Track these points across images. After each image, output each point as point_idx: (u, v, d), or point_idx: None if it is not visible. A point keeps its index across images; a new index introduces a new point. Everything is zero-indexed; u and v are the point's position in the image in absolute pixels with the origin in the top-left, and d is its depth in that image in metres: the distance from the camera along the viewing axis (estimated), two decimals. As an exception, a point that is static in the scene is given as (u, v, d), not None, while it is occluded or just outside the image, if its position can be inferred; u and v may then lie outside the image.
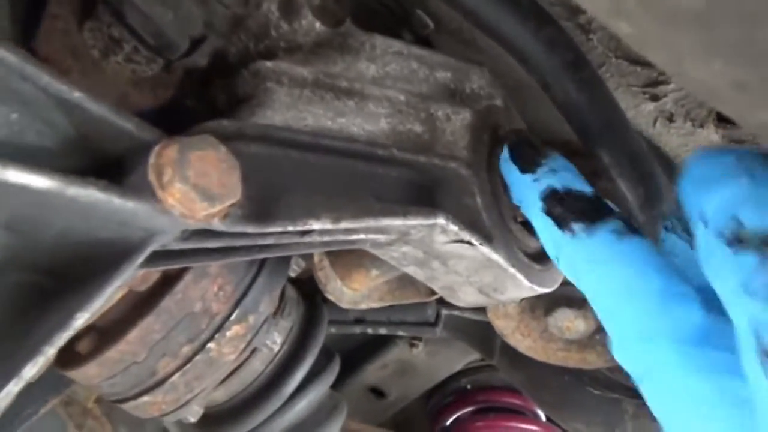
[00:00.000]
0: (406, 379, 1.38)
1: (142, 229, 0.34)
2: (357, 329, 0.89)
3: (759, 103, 0.16)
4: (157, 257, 0.40)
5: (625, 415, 0.87)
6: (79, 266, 0.35)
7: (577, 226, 0.38)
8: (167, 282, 0.54)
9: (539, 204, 0.40)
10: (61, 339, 0.32)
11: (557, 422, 0.97)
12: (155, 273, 0.53)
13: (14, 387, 0.31)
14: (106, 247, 0.34)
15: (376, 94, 0.47)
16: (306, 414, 0.70)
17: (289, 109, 0.46)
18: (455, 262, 0.45)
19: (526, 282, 0.47)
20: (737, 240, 0.26)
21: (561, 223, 0.38)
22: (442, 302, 0.91)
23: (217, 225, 0.35)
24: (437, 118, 0.48)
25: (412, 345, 1.16)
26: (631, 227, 0.37)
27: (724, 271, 0.27)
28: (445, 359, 1.35)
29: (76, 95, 0.29)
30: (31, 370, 0.31)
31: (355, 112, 0.47)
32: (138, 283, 0.52)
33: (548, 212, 0.40)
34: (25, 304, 0.36)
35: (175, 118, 0.54)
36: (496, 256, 0.44)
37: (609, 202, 0.40)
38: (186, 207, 0.32)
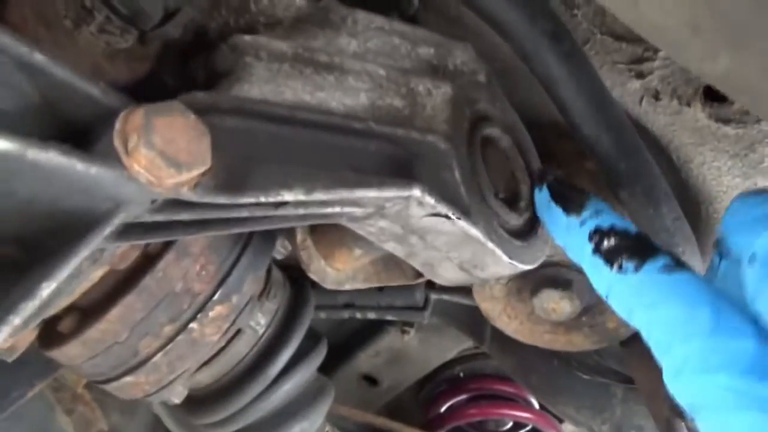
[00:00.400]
0: (398, 367, 1.38)
1: (109, 198, 0.33)
2: (345, 314, 0.89)
3: (714, 46, 0.16)
4: (129, 231, 0.40)
5: (613, 399, 0.87)
6: (46, 238, 0.35)
7: (627, 264, 0.39)
8: (148, 261, 0.54)
9: (588, 246, 0.41)
10: (28, 309, 0.32)
11: (547, 406, 0.97)
12: (135, 251, 0.53)
13: (-20, 357, 0.31)
14: (72, 217, 0.33)
15: (357, 69, 0.47)
16: (292, 396, 0.70)
17: (267, 83, 0.46)
18: (433, 237, 0.45)
19: (505, 258, 0.46)
20: None
21: (611, 262, 0.39)
22: (430, 286, 0.91)
23: (186, 194, 0.34)
24: (418, 93, 0.47)
25: (403, 332, 1.16)
26: (680, 262, 0.38)
27: None
28: (437, 347, 1.35)
29: (38, 58, 0.29)
30: (-4, 340, 0.31)
31: (334, 87, 0.46)
32: (117, 261, 0.51)
33: (597, 252, 0.41)
34: (-5, 275, 0.36)
35: (154, 95, 0.54)
36: (474, 231, 0.43)
37: (657, 242, 0.41)
38: (152, 174, 0.31)
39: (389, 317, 0.89)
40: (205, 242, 0.56)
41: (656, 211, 0.48)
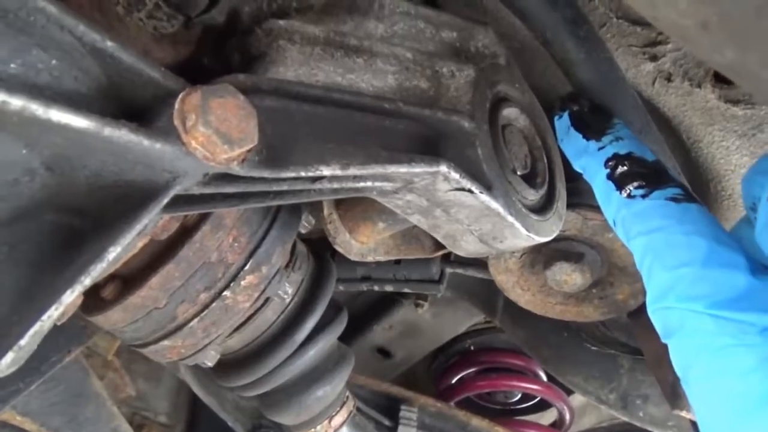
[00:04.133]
0: (411, 339, 1.43)
1: (167, 171, 0.37)
2: (363, 286, 0.92)
3: (721, 42, 0.19)
4: (179, 202, 0.43)
5: (621, 369, 0.91)
6: (109, 207, 0.38)
7: (636, 191, 0.39)
8: (186, 232, 0.58)
9: (603, 171, 0.42)
10: (96, 270, 0.36)
11: (556, 377, 1.01)
12: (175, 222, 0.56)
13: (55, 311, 0.35)
14: (134, 188, 0.37)
15: (385, 52, 0.50)
16: (316, 361, 0.74)
17: (301, 65, 0.49)
18: (457, 211, 0.48)
19: (523, 230, 0.49)
20: None
21: (621, 187, 0.40)
22: (446, 260, 0.94)
23: (235, 169, 0.38)
24: (442, 75, 0.50)
25: (417, 305, 1.19)
26: (690, 195, 0.38)
27: None
28: (449, 321, 1.39)
29: (109, 44, 0.32)
30: (70, 297, 0.35)
31: (364, 69, 0.49)
32: (159, 232, 0.55)
33: (611, 177, 0.41)
34: (60, 241, 0.39)
35: (192, 77, 0.57)
36: (495, 205, 0.46)
37: (672, 171, 0.41)
38: (208, 150, 0.35)
39: (405, 290, 0.93)
40: (237, 216, 0.60)
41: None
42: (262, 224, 0.62)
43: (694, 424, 0.85)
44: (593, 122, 0.46)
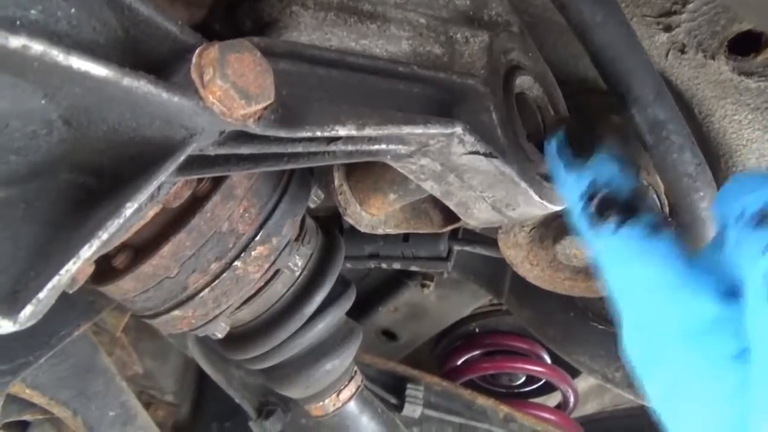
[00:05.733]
0: (416, 322, 1.43)
1: (184, 127, 0.36)
2: (371, 263, 0.93)
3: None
4: (193, 164, 0.43)
5: (627, 348, 0.91)
6: (125, 165, 0.38)
7: (609, 223, 0.40)
8: (197, 202, 0.58)
9: (579, 203, 0.42)
10: (114, 226, 0.36)
11: (562, 356, 1.02)
12: (187, 190, 0.56)
13: (73, 266, 0.35)
14: (151, 145, 0.37)
15: (398, 18, 0.49)
16: (324, 335, 0.75)
17: (314, 31, 0.48)
18: (471, 176, 0.48)
19: (536, 197, 0.49)
20: (761, 219, 0.30)
21: (596, 220, 0.41)
22: (454, 237, 0.94)
23: (251, 126, 0.37)
24: (456, 41, 0.50)
25: (423, 285, 1.20)
26: (665, 225, 0.39)
27: (747, 244, 0.30)
28: (454, 303, 1.40)
29: (127, -5, 0.32)
30: (88, 251, 0.35)
31: (377, 35, 0.49)
32: (171, 200, 0.55)
33: (586, 210, 0.42)
34: (76, 200, 0.39)
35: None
36: (509, 170, 0.46)
37: (650, 199, 0.41)
38: (225, 104, 0.35)
39: (413, 268, 0.93)
40: (248, 185, 0.60)
41: (680, 157, 0.51)
42: (272, 196, 0.62)
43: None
44: (578, 149, 0.47)
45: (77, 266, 0.35)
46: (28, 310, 0.33)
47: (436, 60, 0.49)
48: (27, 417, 0.88)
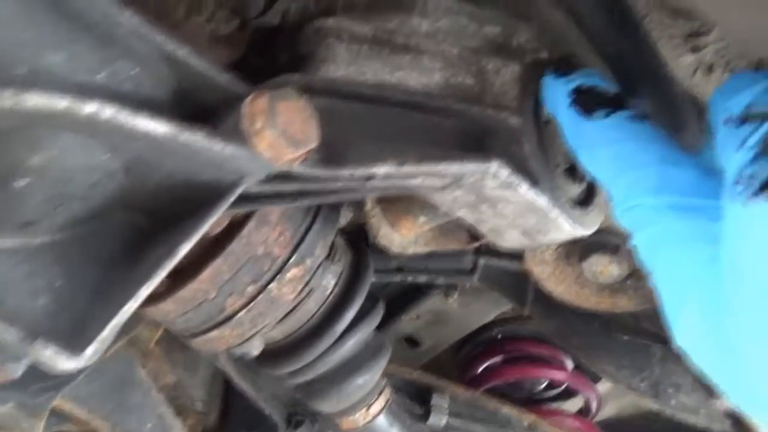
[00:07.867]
0: (439, 328, 1.44)
1: (234, 171, 0.38)
2: (398, 277, 0.94)
3: None
4: (240, 200, 0.45)
5: (652, 359, 0.92)
6: (176, 207, 0.40)
7: (597, 113, 0.42)
8: (234, 228, 0.60)
9: (567, 100, 0.44)
10: (169, 265, 0.38)
11: (587, 364, 1.02)
12: (225, 219, 0.58)
13: (133, 305, 0.37)
14: (203, 188, 0.39)
15: (431, 49, 0.51)
16: (355, 351, 0.76)
17: (349, 64, 0.50)
18: (503, 206, 0.49)
19: (567, 225, 0.50)
20: (744, 118, 0.31)
21: (584, 112, 0.43)
22: (479, 251, 0.95)
23: (297, 168, 0.39)
24: (487, 71, 0.51)
25: (447, 294, 1.21)
26: (647, 115, 0.41)
27: (728, 142, 0.32)
28: (477, 310, 1.40)
29: (183, 52, 0.33)
30: (146, 291, 0.37)
31: (410, 66, 0.50)
32: (212, 228, 0.57)
33: (573, 104, 0.44)
34: (129, 239, 0.41)
35: (241, 76, 0.58)
36: (541, 201, 0.47)
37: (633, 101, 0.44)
38: (274, 151, 0.36)
39: (439, 281, 0.94)
40: (281, 211, 0.61)
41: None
42: (305, 219, 0.64)
43: (728, 413, 0.85)
44: (566, 65, 0.48)
45: (137, 304, 0.37)
46: (92, 349, 0.35)
47: (468, 91, 0.50)
48: (65, 430, 0.91)
